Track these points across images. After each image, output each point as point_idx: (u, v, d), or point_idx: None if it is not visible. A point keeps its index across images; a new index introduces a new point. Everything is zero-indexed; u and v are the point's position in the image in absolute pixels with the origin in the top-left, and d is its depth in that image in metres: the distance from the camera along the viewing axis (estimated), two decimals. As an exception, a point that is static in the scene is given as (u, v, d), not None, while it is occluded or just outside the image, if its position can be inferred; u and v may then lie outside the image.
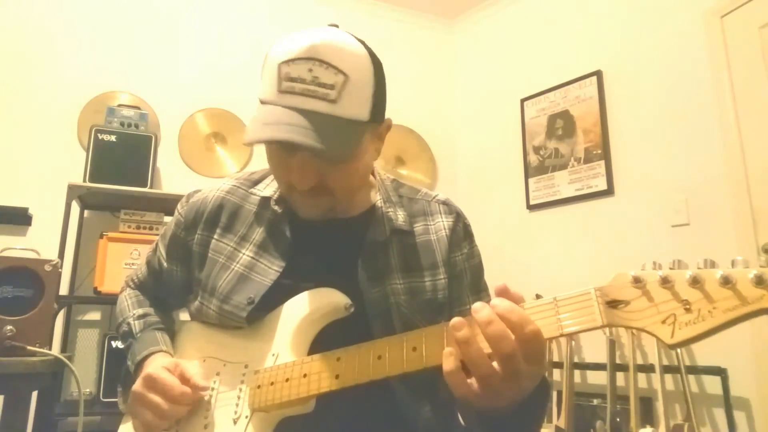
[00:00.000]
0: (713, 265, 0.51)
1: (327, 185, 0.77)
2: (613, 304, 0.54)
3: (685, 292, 0.51)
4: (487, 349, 0.56)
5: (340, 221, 0.87)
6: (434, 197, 0.95)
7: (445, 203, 0.94)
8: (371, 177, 0.93)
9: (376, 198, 0.90)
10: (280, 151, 0.77)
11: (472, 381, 0.57)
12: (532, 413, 0.66)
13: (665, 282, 0.52)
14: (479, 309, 0.56)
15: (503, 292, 0.59)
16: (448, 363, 0.57)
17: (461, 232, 0.91)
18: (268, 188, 0.91)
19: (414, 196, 0.94)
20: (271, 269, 0.83)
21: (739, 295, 0.48)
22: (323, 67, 0.71)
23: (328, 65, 0.71)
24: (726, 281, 0.49)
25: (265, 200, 0.89)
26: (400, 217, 0.88)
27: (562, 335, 0.56)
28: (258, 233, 0.87)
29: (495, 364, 0.56)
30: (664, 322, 0.51)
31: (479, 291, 0.91)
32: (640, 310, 0.53)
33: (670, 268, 0.53)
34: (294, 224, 0.86)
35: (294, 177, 0.76)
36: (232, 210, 0.90)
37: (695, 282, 0.50)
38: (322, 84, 0.71)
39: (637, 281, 0.54)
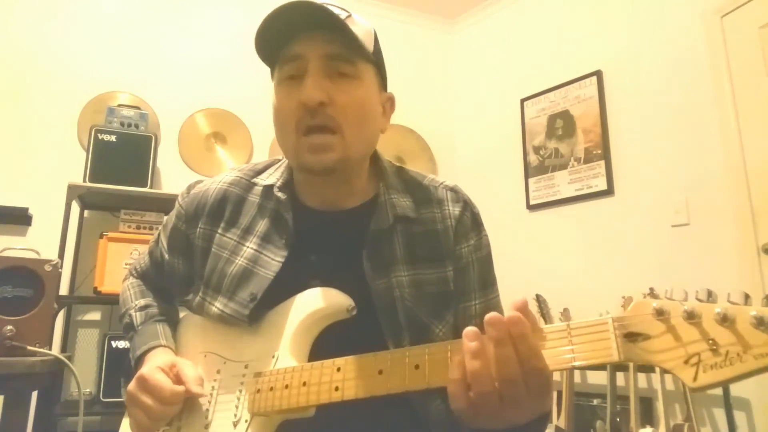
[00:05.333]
0: (747, 299, 0.46)
1: (335, 103, 0.76)
2: (631, 337, 0.50)
3: (713, 330, 0.46)
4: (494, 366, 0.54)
5: (343, 211, 0.85)
6: (441, 183, 0.91)
7: (453, 190, 0.90)
8: (375, 164, 0.90)
9: (380, 186, 0.86)
10: (292, 72, 0.78)
11: (471, 396, 0.55)
12: None
13: (691, 317, 0.47)
14: (494, 324, 0.53)
15: (522, 311, 0.55)
16: (454, 371, 0.55)
17: (468, 222, 0.87)
18: (272, 177, 0.88)
19: (420, 182, 0.90)
20: (274, 260, 0.81)
21: None
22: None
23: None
24: (760, 322, 0.43)
25: (268, 189, 0.86)
26: (405, 203, 0.85)
27: (573, 368, 0.52)
28: (261, 225, 0.84)
29: (497, 384, 0.53)
30: (687, 362, 0.46)
31: (486, 286, 0.87)
32: (661, 347, 0.48)
33: (697, 299, 0.48)
34: (297, 213, 0.84)
35: (305, 92, 0.75)
36: (236, 202, 0.87)
37: (725, 320, 0.45)
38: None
39: (660, 313, 0.49)
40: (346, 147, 0.77)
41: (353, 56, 0.78)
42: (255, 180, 0.89)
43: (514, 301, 0.55)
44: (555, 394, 2.43)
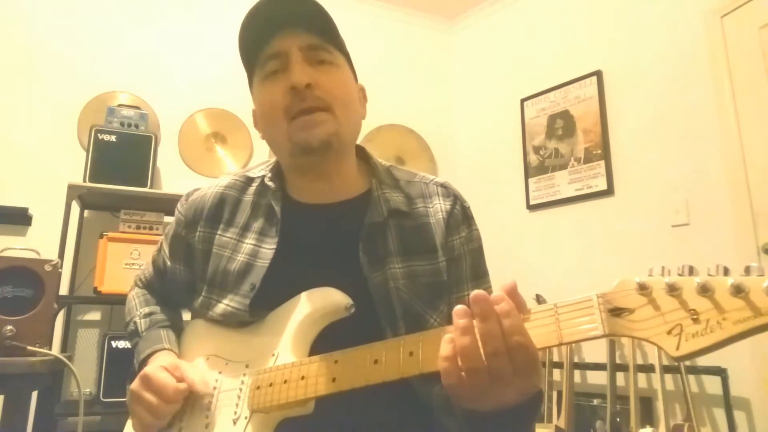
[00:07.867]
0: (726, 271, 0.47)
1: (321, 86, 0.80)
2: (615, 312, 0.52)
3: (694, 301, 0.48)
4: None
5: (336, 204, 0.87)
6: (432, 180, 0.94)
7: (443, 186, 0.93)
8: (366, 162, 0.93)
9: (372, 181, 0.89)
10: (275, 68, 0.82)
11: (462, 372, 0.56)
12: (515, 424, 0.63)
13: (672, 289, 0.49)
14: (479, 301, 0.56)
15: (511, 293, 0.57)
16: (446, 349, 0.57)
17: (459, 216, 0.90)
18: (262, 171, 0.93)
19: (411, 179, 0.93)
20: (268, 250, 0.84)
21: (751, 306, 0.44)
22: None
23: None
24: (738, 290, 0.45)
25: (260, 183, 0.91)
26: (397, 198, 0.88)
27: (561, 344, 0.54)
28: (258, 220, 0.88)
29: (484, 359, 0.55)
30: (669, 332, 0.48)
31: (478, 276, 0.89)
32: (644, 320, 0.50)
33: (679, 274, 0.50)
34: (288, 206, 0.87)
35: (292, 77, 0.79)
36: (233, 203, 0.91)
37: (704, 290, 0.47)
38: None
39: (642, 288, 0.51)
40: (339, 123, 0.82)
41: (330, 45, 0.84)
42: (249, 174, 0.94)
43: (503, 283, 0.58)
44: (555, 394, 2.43)
